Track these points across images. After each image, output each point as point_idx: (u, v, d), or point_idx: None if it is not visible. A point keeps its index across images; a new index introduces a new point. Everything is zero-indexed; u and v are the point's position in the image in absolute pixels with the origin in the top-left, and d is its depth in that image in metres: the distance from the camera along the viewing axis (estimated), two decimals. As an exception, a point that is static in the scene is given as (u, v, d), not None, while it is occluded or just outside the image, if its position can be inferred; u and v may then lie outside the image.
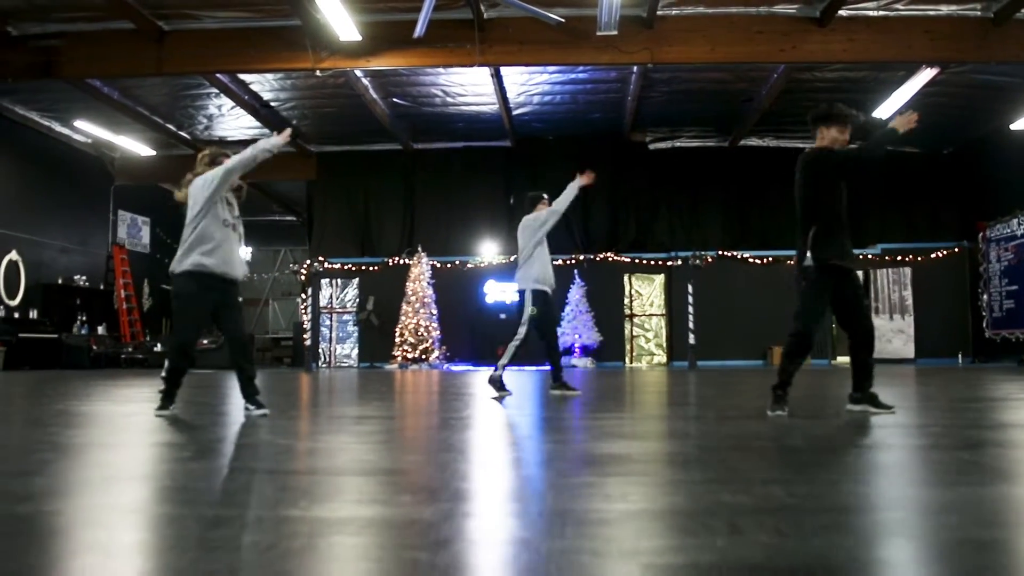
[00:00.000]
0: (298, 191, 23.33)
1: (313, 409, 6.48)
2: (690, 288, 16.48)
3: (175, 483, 2.85)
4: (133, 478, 3.00)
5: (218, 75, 15.27)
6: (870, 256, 19.51)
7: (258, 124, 18.55)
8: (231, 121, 18.72)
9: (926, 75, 14.78)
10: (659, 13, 13.37)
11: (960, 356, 18.95)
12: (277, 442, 3.96)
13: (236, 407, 5.91)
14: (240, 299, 5.45)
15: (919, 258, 19.47)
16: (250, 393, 5.23)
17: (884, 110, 16.57)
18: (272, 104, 17.78)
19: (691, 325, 16.25)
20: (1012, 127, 16.79)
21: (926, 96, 16.00)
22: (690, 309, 16.36)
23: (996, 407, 6.14)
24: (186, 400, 6.30)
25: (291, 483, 2.83)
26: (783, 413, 4.97)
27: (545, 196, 7.60)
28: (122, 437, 4.40)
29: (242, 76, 15.94)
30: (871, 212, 20.38)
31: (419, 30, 11.22)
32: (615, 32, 12.68)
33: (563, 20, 11.24)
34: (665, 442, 4.09)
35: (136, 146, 19.45)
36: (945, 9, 13.37)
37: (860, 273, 5.90)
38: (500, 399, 7.01)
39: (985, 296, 19.09)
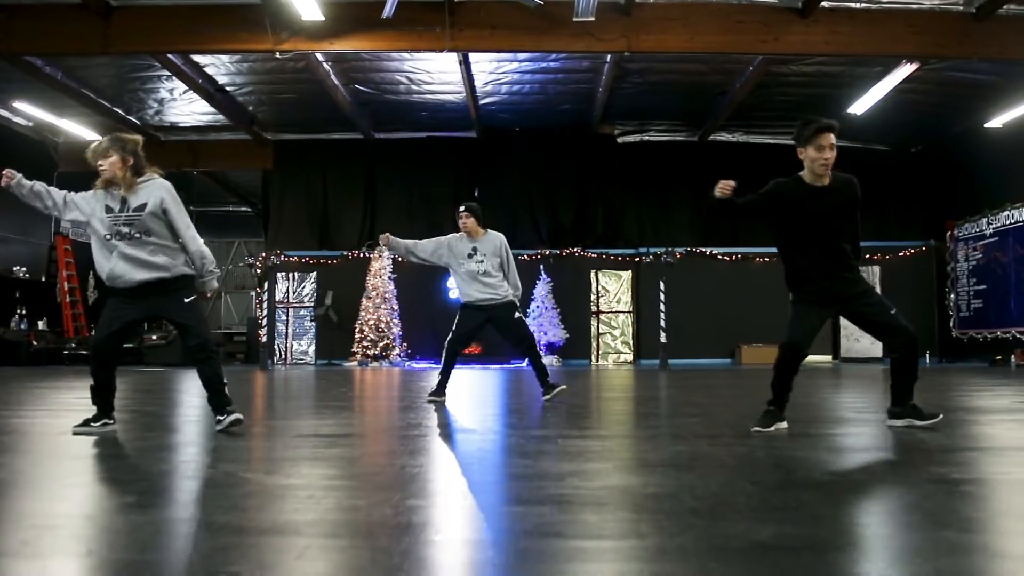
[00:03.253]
0: (254, 181, 22.36)
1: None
2: (662, 286, 15.99)
3: (113, 555, 2.20)
4: (57, 549, 2.34)
5: (170, 56, 14.34)
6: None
7: (212, 110, 17.66)
8: (184, 106, 17.76)
9: (904, 71, 14.47)
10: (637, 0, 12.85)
11: (927, 356, 18.81)
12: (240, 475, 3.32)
13: (191, 415, 5.26)
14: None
15: (887, 256, 19.28)
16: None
17: (859, 106, 16.28)
18: (228, 88, 16.88)
19: (663, 324, 15.76)
20: (987, 125, 16.61)
21: (900, 92, 15.73)
22: (662, 307, 15.87)
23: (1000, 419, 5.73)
24: (134, 409, 5.61)
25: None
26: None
27: (461, 209, 7.15)
28: (51, 468, 3.71)
29: (196, 58, 15.04)
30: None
31: (388, 10, 10.58)
32: (592, 18, 12.11)
33: (541, 2, 10.63)
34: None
35: (81, 130, 18.32)
36: (928, 3, 13.07)
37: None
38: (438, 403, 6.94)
39: (952, 295, 19.01)
